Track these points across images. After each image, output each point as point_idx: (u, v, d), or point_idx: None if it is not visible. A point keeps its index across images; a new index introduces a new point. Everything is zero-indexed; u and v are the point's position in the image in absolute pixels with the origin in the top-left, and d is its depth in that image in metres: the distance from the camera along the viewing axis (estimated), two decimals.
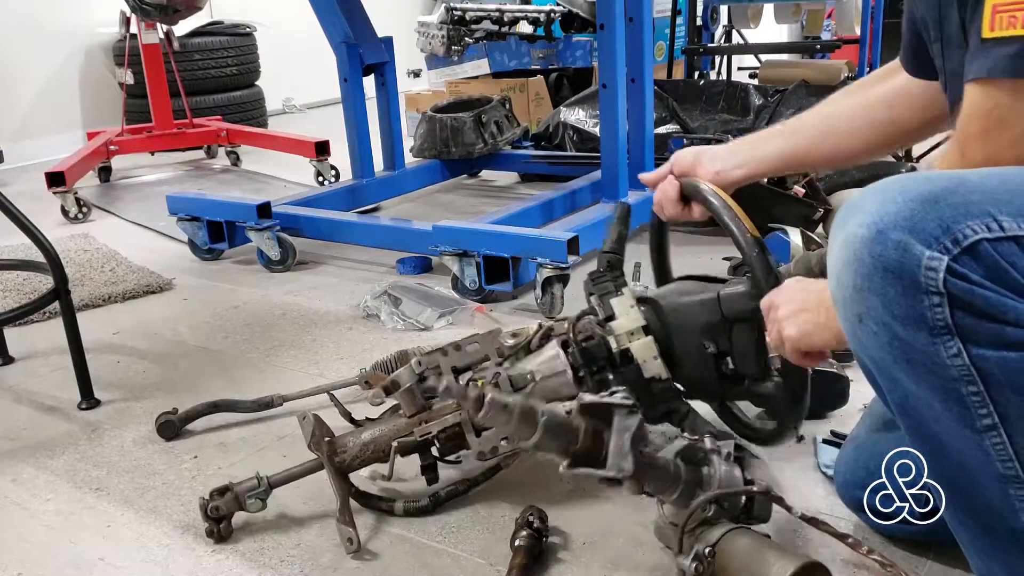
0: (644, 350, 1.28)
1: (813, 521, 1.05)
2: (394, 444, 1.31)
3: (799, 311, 1.02)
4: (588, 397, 1.02)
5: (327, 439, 1.32)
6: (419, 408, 1.32)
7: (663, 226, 1.46)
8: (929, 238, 0.76)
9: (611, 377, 1.30)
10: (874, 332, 0.81)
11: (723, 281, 1.30)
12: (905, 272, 0.77)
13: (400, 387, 1.33)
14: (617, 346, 1.29)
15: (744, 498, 1.10)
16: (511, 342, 1.37)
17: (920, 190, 0.78)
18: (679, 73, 4.44)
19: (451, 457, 1.36)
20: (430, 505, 1.34)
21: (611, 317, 1.30)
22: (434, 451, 1.35)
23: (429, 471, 1.35)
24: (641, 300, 1.33)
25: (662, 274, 1.50)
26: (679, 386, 1.34)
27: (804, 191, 2.46)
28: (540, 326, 1.39)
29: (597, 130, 3.08)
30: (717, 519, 1.06)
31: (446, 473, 1.38)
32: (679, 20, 4.40)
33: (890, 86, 1.22)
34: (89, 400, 1.78)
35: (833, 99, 1.29)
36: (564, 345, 1.32)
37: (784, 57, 5.36)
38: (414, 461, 1.37)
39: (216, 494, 1.29)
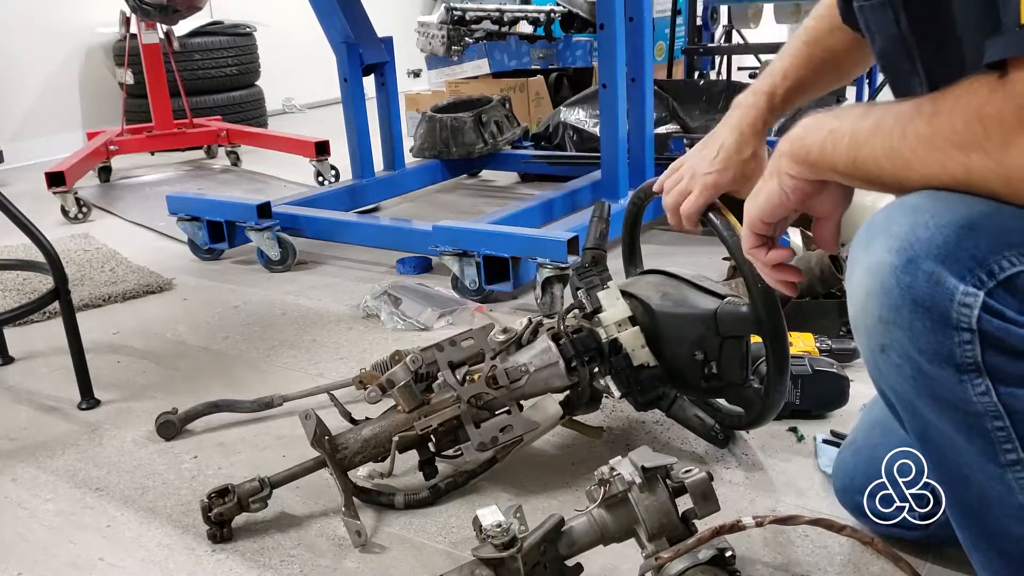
0: (632, 339, 1.34)
1: (820, 522, 1.05)
2: (395, 439, 1.32)
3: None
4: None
5: (327, 437, 1.33)
6: (417, 403, 1.34)
7: (639, 212, 1.52)
8: (963, 270, 0.71)
9: (600, 367, 1.36)
10: (897, 364, 0.77)
11: (699, 287, 1.35)
12: (936, 307, 0.72)
13: (396, 384, 1.34)
14: (606, 336, 1.35)
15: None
16: (502, 337, 1.41)
17: (955, 214, 0.73)
18: (679, 73, 4.44)
19: (449, 452, 1.38)
20: (430, 497, 1.35)
21: (598, 309, 1.36)
22: (430, 447, 1.37)
23: (427, 466, 1.37)
24: (627, 295, 1.38)
25: (631, 253, 1.56)
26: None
27: None
28: (530, 321, 1.42)
29: (597, 130, 3.08)
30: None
31: (442, 468, 1.40)
32: (679, 20, 4.39)
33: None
34: (89, 400, 1.78)
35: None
36: (555, 337, 1.36)
37: None
38: (410, 460, 1.37)
39: (216, 496, 1.29)
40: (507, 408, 1.36)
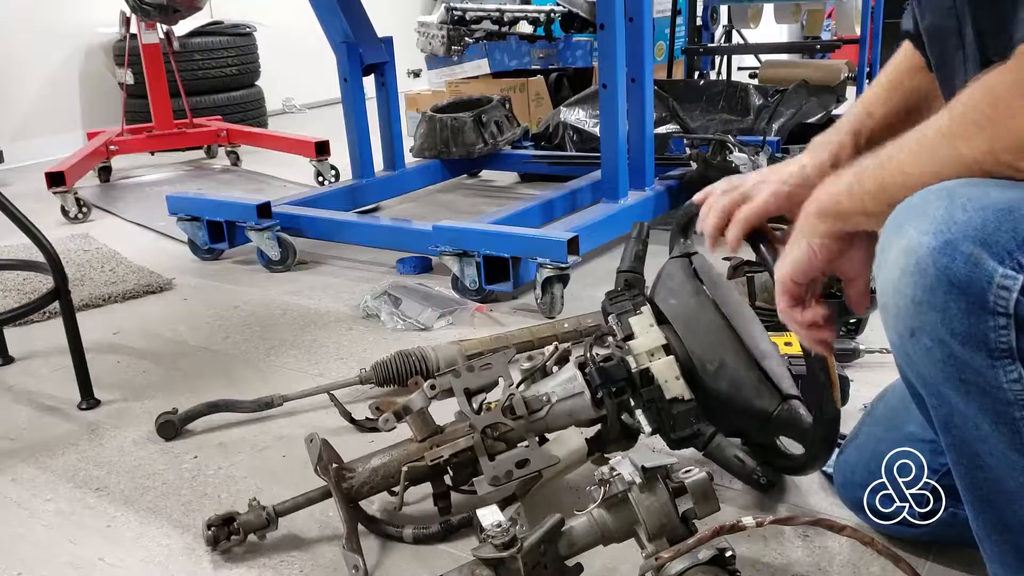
0: (665, 370, 1.20)
1: (820, 522, 1.05)
2: (404, 470, 1.26)
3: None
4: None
5: (334, 465, 1.27)
6: (430, 431, 1.27)
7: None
8: (1002, 253, 0.71)
9: (631, 399, 1.24)
10: (927, 348, 0.76)
11: (762, 368, 1.20)
12: (973, 289, 0.72)
13: (412, 411, 1.28)
14: (637, 366, 1.21)
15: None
16: (527, 364, 1.32)
17: (992, 198, 0.73)
18: (679, 73, 4.44)
19: (465, 487, 1.30)
20: (441, 532, 1.29)
21: (630, 336, 1.23)
22: (446, 479, 1.29)
23: (442, 500, 1.30)
24: (666, 323, 1.25)
25: (685, 234, 1.37)
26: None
27: None
28: (556, 347, 1.33)
29: (597, 130, 3.08)
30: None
31: (456, 500, 1.34)
32: (679, 20, 4.39)
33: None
34: (89, 400, 1.78)
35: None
36: (582, 366, 1.26)
37: (784, 57, 5.36)
38: (428, 488, 1.32)
39: (220, 526, 1.26)
40: (526, 441, 1.27)
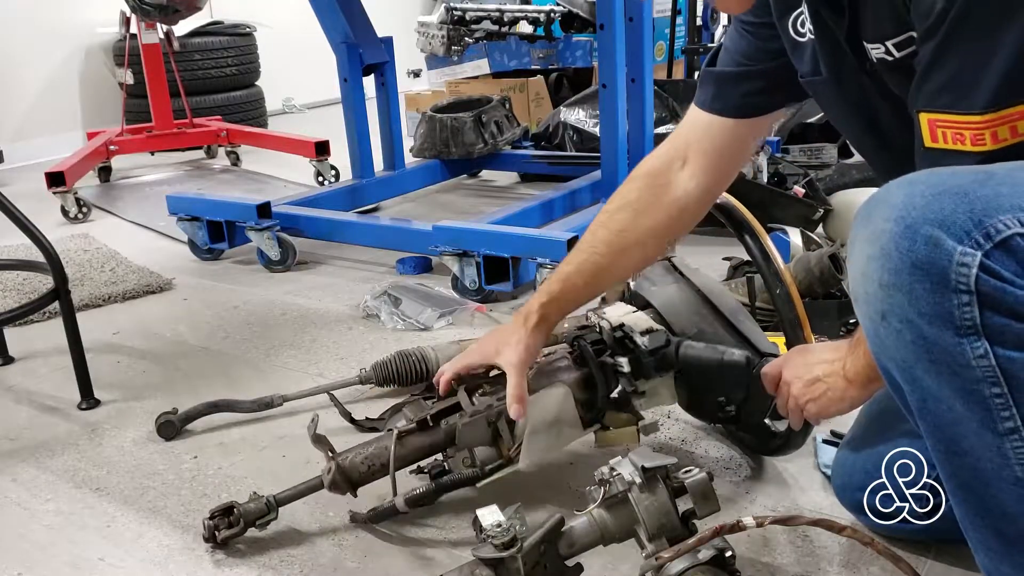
0: (641, 321, 1.29)
1: (820, 522, 1.05)
2: (394, 433, 1.27)
3: (814, 382, 1.08)
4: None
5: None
6: (423, 417, 1.28)
7: None
8: (960, 232, 0.74)
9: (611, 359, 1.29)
10: (897, 330, 0.79)
11: (737, 330, 1.28)
12: (935, 268, 0.75)
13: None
14: (611, 325, 1.30)
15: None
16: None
17: (948, 183, 0.77)
18: (679, 73, 4.44)
19: (467, 472, 1.30)
20: (432, 492, 1.27)
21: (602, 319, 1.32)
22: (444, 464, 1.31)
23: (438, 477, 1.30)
24: (651, 307, 1.32)
25: None
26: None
27: (804, 191, 2.47)
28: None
29: (597, 130, 3.08)
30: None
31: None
32: (679, 20, 4.39)
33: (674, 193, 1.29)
34: (89, 400, 1.78)
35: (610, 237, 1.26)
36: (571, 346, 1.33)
37: None
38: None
39: (220, 515, 1.26)
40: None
